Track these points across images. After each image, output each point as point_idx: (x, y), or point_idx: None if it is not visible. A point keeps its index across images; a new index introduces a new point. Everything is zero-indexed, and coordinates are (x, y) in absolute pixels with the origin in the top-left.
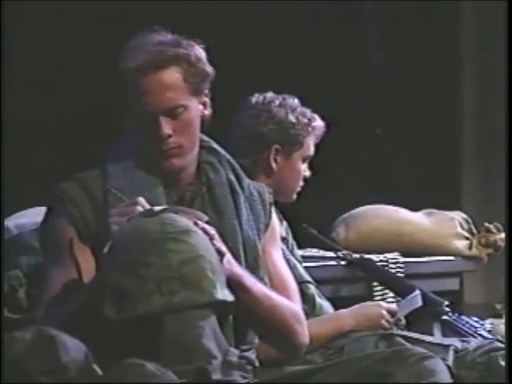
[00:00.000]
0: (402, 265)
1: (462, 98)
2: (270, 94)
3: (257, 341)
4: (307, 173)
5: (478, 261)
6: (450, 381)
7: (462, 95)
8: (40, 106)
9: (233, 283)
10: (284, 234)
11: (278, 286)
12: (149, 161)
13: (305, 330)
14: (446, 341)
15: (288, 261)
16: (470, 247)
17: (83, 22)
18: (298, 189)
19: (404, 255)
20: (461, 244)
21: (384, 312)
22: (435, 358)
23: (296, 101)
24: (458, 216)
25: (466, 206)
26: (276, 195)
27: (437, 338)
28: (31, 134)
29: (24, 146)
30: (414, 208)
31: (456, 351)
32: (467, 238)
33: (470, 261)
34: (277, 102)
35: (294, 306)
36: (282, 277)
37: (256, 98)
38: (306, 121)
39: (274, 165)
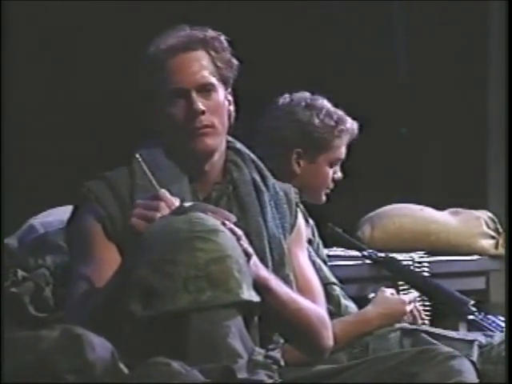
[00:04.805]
0: (427, 264)
1: (487, 97)
2: (299, 95)
3: (282, 340)
4: (339, 175)
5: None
6: (477, 380)
7: (488, 94)
8: (50, 104)
9: (259, 286)
10: (310, 235)
11: (303, 288)
12: (179, 148)
13: (329, 333)
14: (470, 336)
15: (313, 263)
16: (496, 246)
17: (98, 18)
18: (326, 191)
19: (430, 254)
20: (487, 243)
21: (407, 309)
22: (461, 357)
23: (325, 102)
24: (483, 215)
25: (492, 204)
26: (303, 196)
27: (460, 333)
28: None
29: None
30: (440, 207)
31: (480, 346)
32: (493, 237)
33: (496, 260)
34: (303, 104)
35: (319, 309)
36: (308, 279)
37: (283, 98)
38: (332, 123)
39: (296, 168)
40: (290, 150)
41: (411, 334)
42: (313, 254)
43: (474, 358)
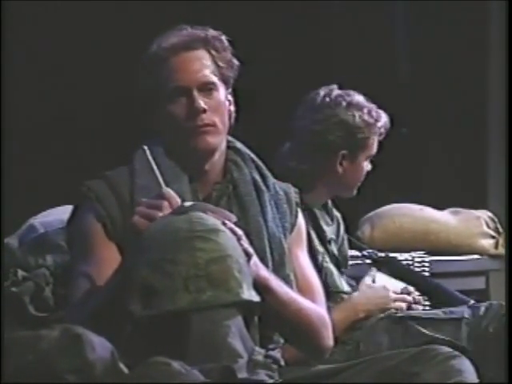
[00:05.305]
0: (427, 263)
1: (488, 97)
2: (335, 93)
3: (282, 340)
4: (369, 167)
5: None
6: (477, 380)
7: (488, 94)
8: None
9: (259, 286)
10: (332, 235)
11: (303, 288)
12: (180, 147)
13: (330, 333)
14: (457, 313)
15: (326, 268)
16: (496, 246)
17: (95, 22)
18: (359, 184)
19: (430, 254)
20: (487, 243)
21: (392, 297)
22: (462, 357)
23: (361, 98)
24: (484, 215)
25: (492, 204)
26: (336, 192)
27: (447, 310)
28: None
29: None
30: (440, 207)
31: (467, 323)
32: (493, 237)
33: (495, 259)
34: (344, 104)
35: (319, 308)
36: (308, 278)
37: (321, 97)
38: (372, 121)
39: (339, 169)
40: (334, 153)
41: (399, 322)
42: (327, 259)
43: (463, 337)
